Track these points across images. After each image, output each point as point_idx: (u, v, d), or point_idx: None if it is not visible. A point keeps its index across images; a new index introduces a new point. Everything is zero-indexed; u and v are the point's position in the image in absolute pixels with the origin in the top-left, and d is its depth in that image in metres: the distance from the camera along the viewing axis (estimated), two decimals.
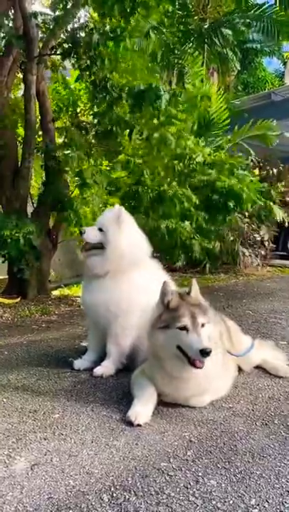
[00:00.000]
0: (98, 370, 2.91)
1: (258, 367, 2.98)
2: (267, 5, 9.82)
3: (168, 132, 5.50)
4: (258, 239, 8.75)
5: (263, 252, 8.84)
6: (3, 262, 5.53)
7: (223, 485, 1.70)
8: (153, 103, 5.15)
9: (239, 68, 15.47)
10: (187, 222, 5.44)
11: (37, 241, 5.10)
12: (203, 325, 2.23)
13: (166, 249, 5.62)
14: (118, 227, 2.90)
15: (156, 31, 6.69)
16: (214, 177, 5.62)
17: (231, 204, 5.67)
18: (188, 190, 5.41)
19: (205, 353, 2.15)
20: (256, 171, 9.18)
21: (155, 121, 5.50)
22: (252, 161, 8.79)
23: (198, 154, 5.68)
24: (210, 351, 2.15)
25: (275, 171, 9.38)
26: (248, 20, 9.49)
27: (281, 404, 2.46)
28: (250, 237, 8.53)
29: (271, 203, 7.85)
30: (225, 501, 1.61)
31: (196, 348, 2.16)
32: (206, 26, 9.66)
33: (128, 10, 5.14)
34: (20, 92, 6.48)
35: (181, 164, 5.63)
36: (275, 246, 9.59)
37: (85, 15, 6.05)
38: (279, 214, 7.96)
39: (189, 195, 5.40)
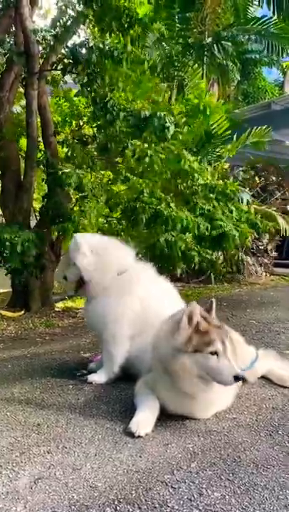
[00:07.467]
0: (91, 377, 3.02)
1: (261, 377, 2.97)
2: (266, 18, 9.87)
3: (158, 155, 5.42)
4: (261, 248, 8.76)
5: (266, 261, 8.85)
6: (6, 274, 5.55)
7: (227, 497, 1.69)
8: (158, 132, 5.09)
9: (239, 78, 15.66)
10: (188, 234, 5.42)
11: (33, 250, 5.03)
12: None
13: (166, 261, 5.60)
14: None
15: (156, 45, 6.75)
16: (212, 211, 5.62)
17: (224, 243, 5.70)
18: (184, 213, 5.36)
19: (238, 378, 2.18)
20: (257, 180, 9.23)
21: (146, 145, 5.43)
22: (252, 168, 8.84)
23: (199, 176, 5.65)
24: (242, 377, 2.19)
25: (274, 179, 9.42)
26: (247, 36, 9.55)
27: (285, 414, 2.44)
28: (253, 246, 8.54)
29: (275, 214, 7.85)
30: None
31: (230, 373, 2.16)
32: (205, 39, 9.74)
33: (125, 26, 5.23)
34: (22, 104, 6.53)
35: (184, 184, 5.60)
36: (278, 254, 9.58)
37: (84, 31, 6.11)
38: (282, 224, 7.96)
39: (187, 216, 5.35)
